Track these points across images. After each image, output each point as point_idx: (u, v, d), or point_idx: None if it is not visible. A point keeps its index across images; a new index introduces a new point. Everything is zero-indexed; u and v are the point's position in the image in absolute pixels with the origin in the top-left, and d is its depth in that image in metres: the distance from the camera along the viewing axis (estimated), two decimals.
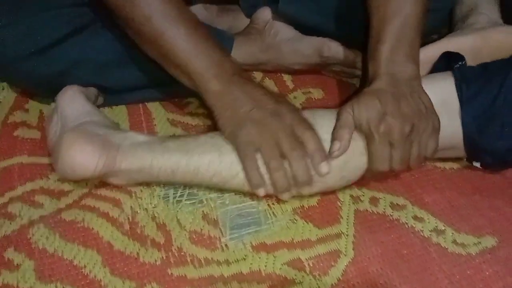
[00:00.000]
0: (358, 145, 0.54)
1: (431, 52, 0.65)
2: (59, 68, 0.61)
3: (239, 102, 0.53)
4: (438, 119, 0.54)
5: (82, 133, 0.53)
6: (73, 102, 0.59)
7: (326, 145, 0.53)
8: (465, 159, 0.61)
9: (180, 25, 0.54)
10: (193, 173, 0.54)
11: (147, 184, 0.58)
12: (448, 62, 0.62)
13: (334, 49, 0.73)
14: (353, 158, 0.54)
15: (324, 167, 0.51)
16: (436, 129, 0.54)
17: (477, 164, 0.60)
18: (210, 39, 0.56)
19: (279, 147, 0.51)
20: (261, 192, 0.53)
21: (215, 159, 0.53)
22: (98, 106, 0.68)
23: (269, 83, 0.76)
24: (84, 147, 0.52)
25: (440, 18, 0.75)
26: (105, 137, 0.54)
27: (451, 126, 0.56)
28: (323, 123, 0.54)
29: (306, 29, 0.74)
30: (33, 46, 0.59)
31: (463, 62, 0.60)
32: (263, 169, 0.52)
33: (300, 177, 0.52)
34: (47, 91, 0.63)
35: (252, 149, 0.52)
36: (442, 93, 0.57)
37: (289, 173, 0.52)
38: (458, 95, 0.56)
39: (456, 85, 0.56)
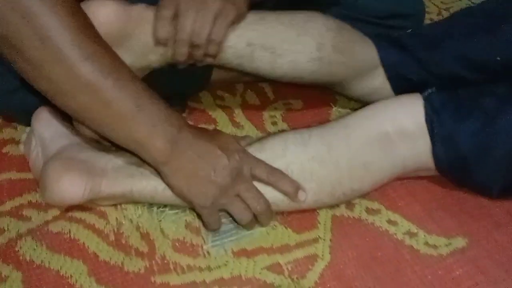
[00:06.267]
0: None
1: None
2: (26, 108, 0.62)
3: (193, 165, 0.52)
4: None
5: (67, 162, 0.54)
6: (50, 125, 0.60)
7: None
8: None
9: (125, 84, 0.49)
10: (170, 199, 0.56)
11: None
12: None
13: None
14: None
15: (301, 195, 0.55)
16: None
17: None
18: (151, 91, 0.51)
19: (245, 202, 0.54)
20: None
21: None
22: None
23: (251, 95, 0.79)
24: (73, 178, 0.53)
25: None
26: (88, 162, 0.55)
27: (424, 156, 0.56)
28: (294, 164, 0.55)
29: None
30: (7, 86, 0.61)
31: (433, 90, 0.57)
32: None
33: (266, 223, 0.57)
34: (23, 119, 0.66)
35: (218, 212, 0.55)
36: (411, 122, 0.55)
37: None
38: (429, 134, 0.55)
39: (426, 120, 0.55)
